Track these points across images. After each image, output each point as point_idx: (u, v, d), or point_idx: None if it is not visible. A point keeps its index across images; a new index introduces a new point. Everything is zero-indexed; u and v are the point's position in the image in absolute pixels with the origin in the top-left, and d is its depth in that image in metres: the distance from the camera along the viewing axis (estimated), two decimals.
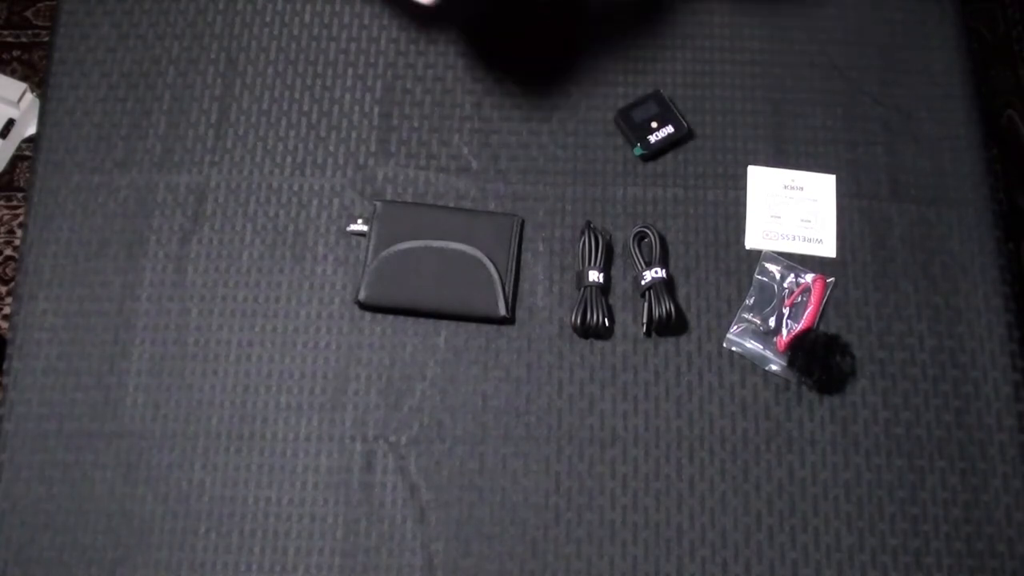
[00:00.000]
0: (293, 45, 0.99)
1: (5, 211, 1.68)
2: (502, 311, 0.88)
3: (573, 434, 0.86)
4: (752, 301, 0.90)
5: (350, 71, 0.98)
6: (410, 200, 0.93)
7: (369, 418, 0.86)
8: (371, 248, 0.90)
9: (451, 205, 0.93)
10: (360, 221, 0.91)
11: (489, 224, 0.91)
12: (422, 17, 0.96)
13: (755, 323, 0.90)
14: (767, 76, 0.99)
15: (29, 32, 1.79)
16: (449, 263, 0.89)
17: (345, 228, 0.92)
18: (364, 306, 0.89)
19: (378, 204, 0.91)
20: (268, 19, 1.00)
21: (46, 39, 1.72)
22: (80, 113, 0.96)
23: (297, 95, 0.97)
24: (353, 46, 0.99)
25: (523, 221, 0.92)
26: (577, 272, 0.90)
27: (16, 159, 1.70)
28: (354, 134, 0.96)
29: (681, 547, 0.83)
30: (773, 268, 0.91)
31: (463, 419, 0.87)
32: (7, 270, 1.65)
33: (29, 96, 1.67)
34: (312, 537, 0.83)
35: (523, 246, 0.92)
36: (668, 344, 0.89)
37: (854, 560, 0.83)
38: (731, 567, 0.83)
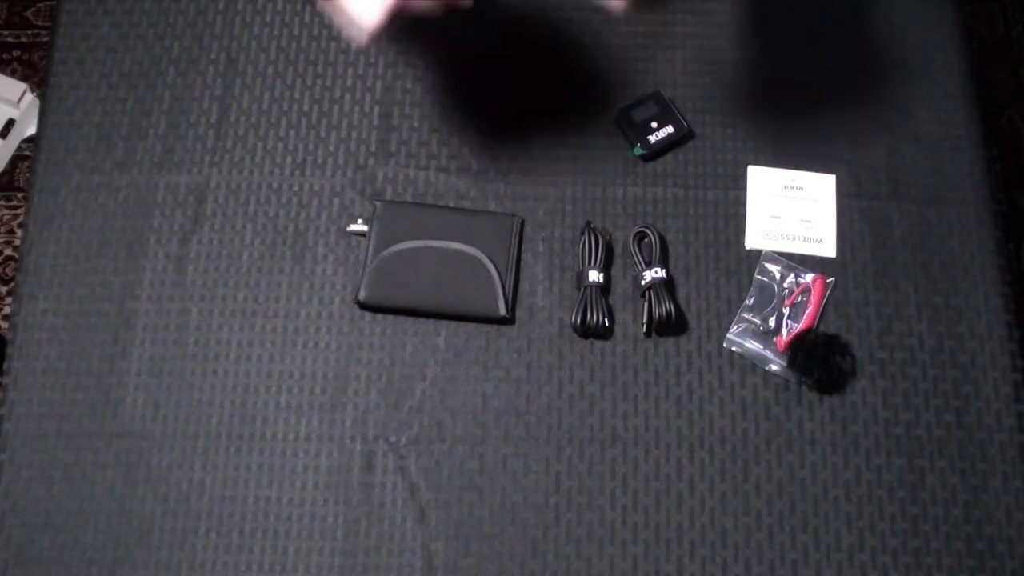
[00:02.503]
0: (293, 45, 0.99)
1: (5, 211, 1.68)
2: (502, 311, 0.88)
3: (573, 434, 0.86)
4: (752, 301, 0.90)
5: (350, 71, 0.98)
6: (410, 200, 0.93)
7: (369, 418, 0.86)
8: (371, 248, 0.90)
9: (451, 205, 0.93)
10: (360, 221, 0.91)
11: (489, 224, 0.91)
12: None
13: (755, 323, 0.90)
14: (767, 76, 0.99)
15: (29, 32, 1.79)
16: (449, 263, 0.89)
17: (345, 228, 0.92)
18: (364, 306, 0.89)
19: (378, 204, 0.91)
20: (268, 19, 1.00)
21: (46, 39, 1.72)
22: (80, 113, 0.96)
23: (297, 95, 0.97)
24: (353, 46, 0.99)
25: (523, 221, 0.92)
26: (577, 272, 0.90)
27: (16, 159, 1.70)
28: (354, 134, 0.96)
29: (681, 547, 0.83)
30: (773, 268, 0.91)
31: (463, 419, 0.87)
32: (7, 270, 1.65)
33: (29, 96, 1.67)
34: (312, 537, 0.83)
35: (523, 246, 0.92)
36: (668, 344, 0.89)
37: (854, 560, 0.83)
38: (731, 567, 0.83)
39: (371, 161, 0.95)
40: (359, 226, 0.91)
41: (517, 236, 0.91)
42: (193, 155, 0.95)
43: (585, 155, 0.96)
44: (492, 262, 0.89)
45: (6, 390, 0.87)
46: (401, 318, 0.89)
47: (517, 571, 0.82)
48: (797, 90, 0.98)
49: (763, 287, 0.91)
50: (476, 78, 0.98)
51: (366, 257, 0.89)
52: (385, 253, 0.89)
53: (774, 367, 0.88)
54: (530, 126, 0.97)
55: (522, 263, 0.91)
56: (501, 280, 0.89)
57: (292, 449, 0.85)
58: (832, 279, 0.91)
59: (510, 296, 0.89)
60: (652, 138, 0.94)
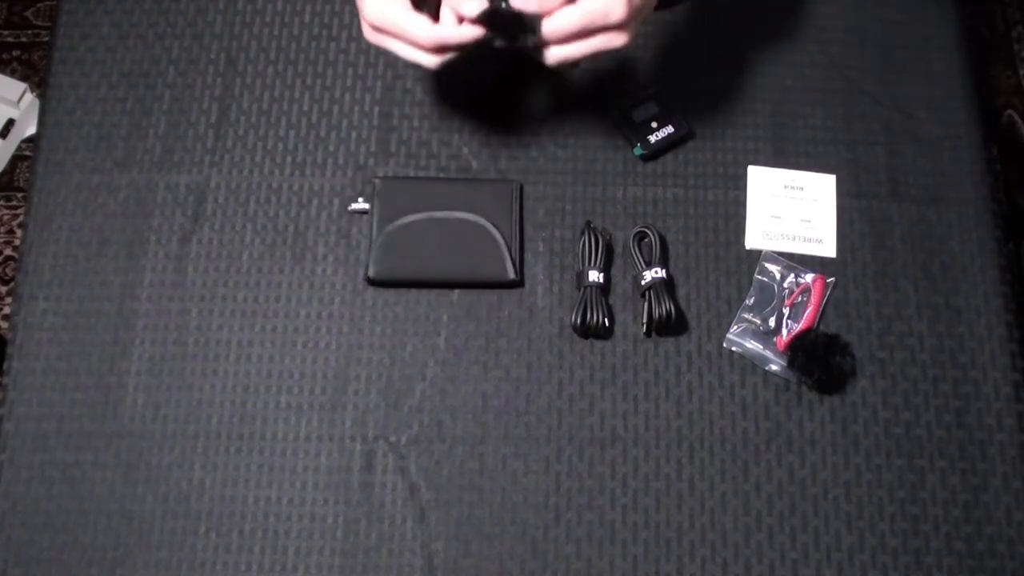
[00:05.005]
0: (293, 45, 0.99)
1: (5, 211, 1.68)
2: (511, 275, 0.89)
3: (573, 434, 0.86)
4: (752, 301, 0.90)
5: (350, 71, 0.98)
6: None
7: (369, 418, 0.86)
8: (375, 225, 0.90)
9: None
10: (361, 200, 0.92)
11: (489, 191, 0.92)
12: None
13: (755, 323, 0.90)
14: (767, 76, 0.99)
15: (29, 32, 1.79)
16: (454, 232, 0.90)
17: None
18: (374, 282, 0.89)
19: (377, 181, 0.92)
20: (268, 19, 1.00)
21: (46, 39, 1.72)
22: (80, 113, 0.96)
23: (297, 95, 0.97)
24: (353, 46, 0.99)
25: (522, 185, 0.93)
26: (577, 272, 0.90)
27: (16, 159, 1.70)
28: (354, 134, 0.96)
29: (681, 547, 0.83)
30: (773, 268, 0.91)
31: (463, 419, 0.87)
32: (7, 270, 1.65)
33: (29, 96, 1.67)
34: (312, 537, 0.83)
35: (524, 245, 0.92)
36: (668, 344, 0.89)
37: (854, 560, 0.83)
38: (731, 567, 0.83)
39: (371, 161, 0.95)
40: (361, 204, 0.91)
41: (517, 200, 0.92)
42: (193, 155, 0.95)
43: (585, 155, 0.96)
44: (496, 227, 0.89)
45: (6, 390, 0.87)
46: (401, 316, 0.89)
47: (517, 571, 0.82)
48: (797, 90, 0.98)
49: (763, 287, 0.91)
50: (476, 78, 0.98)
51: (371, 234, 0.90)
52: (390, 228, 0.90)
53: (774, 367, 0.88)
54: (530, 126, 0.97)
55: (524, 263, 0.91)
56: (507, 244, 0.89)
57: (292, 449, 0.85)
58: (832, 279, 0.91)
59: (517, 260, 0.90)
60: (652, 138, 0.94)
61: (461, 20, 0.75)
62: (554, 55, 0.75)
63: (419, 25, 0.74)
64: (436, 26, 0.74)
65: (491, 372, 0.88)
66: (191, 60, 0.98)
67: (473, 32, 0.74)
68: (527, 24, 0.74)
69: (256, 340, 0.89)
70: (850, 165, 0.96)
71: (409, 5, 0.75)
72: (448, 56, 0.76)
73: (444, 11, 0.76)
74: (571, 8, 0.73)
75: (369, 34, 0.78)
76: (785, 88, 0.99)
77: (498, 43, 0.75)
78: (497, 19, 0.74)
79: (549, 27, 0.73)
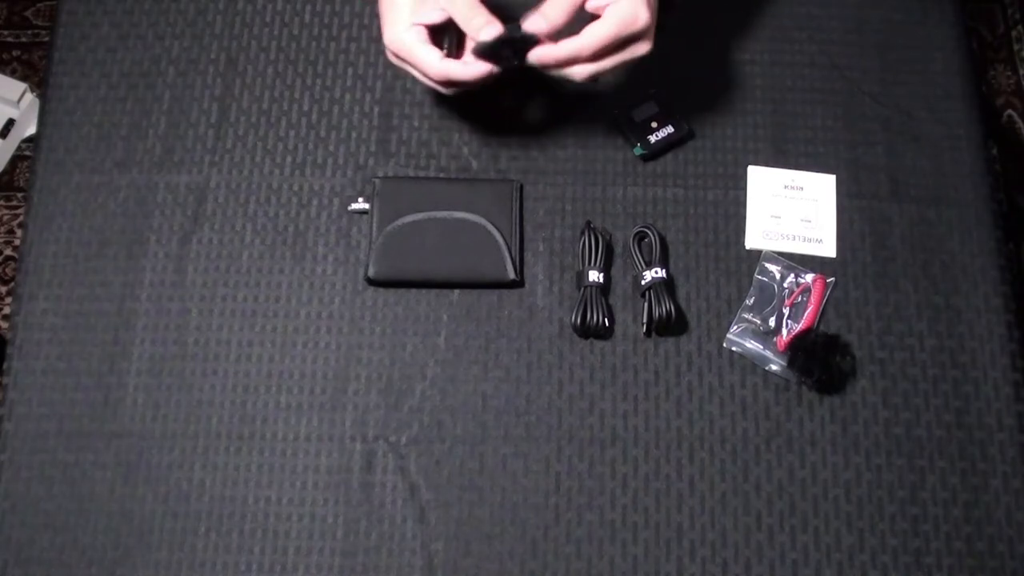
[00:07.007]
0: (293, 45, 0.99)
1: (5, 211, 1.68)
2: (511, 275, 0.89)
3: (573, 434, 0.86)
4: (752, 301, 0.90)
5: (350, 71, 0.98)
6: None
7: (369, 418, 0.87)
8: (375, 225, 0.90)
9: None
10: (361, 200, 0.92)
11: (489, 191, 0.92)
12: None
13: (755, 323, 0.90)
14: (767, 76, 0.99)
15: (29, 32, 1.79)
16: (454, 232, 0.90)
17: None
18: (373, 282, 0.89)
19: (377, 181, 0.92)
20: (268, 19, 1.00)
21: (46, 39, 1.72)
22: (80, 113, 0.96)
23: (297, 95, 0.97)
24: (353, 46, 0.99)
25: (522, 185, 0.93)
26: (577, 272, 0.90)
27: (16, 159, 1.70)
28: (354, 134, 0.96)
29: (681, 547, 0.83)
30: (773, 268, 0.91)
31: (463, 419, 0.87)
32: (7, 270, 1.65)
33: (29, 96, 1.67)
34: (312, 537, 0.83)
35: (524, 245, 0.92)
36: (668, 344, 0.89)
37: (854, 560, 0.83)
38: (731, 567, 0.83)
39: (371, 161, 0.95)
40: (361, 204, 0.92)
41: (517, 200, 0.92)
42: (193, 155, 0.95)
43: (585, 155, 0.96)
44: (496, 227, 0.90)
45: (6, 390, 0.87)
46: (401, 316, 0.89)
47: (517, 571, 0.82)
48: (797, 90, 0.98)
49: (763, 287, 0.91)
50: None
51: (371, 234, 0.90)
52: (390, 228, 0.90)
53: (774, 367, 0.88)
54: (530, 126, 0.97)
55: (524, 263, 0.91)
56: (507, 244, 0.89)
57: (292, 449, 0.86)
58: (832, 279, 0.91)
59: (517, 260, 0.90)
60: (652, 138, 0.94)
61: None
62: (584, 71, 0.78)
63: (429, 60, 0.78)
64: (444, 62, 0.78)
65: (491, 372, 0.88)
66: (191, 60, 0.98)
67: (478, 71, 0.78)
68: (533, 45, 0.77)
69: (256, 340, 0.89)
70: (850, 165, 0.96)
71: (424, 37, 0.79)
72: (460, 88, 0.80)
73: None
74: (601, 22, 0.76)
75: (390, 56, 0.82)
76: (785, 88, 0.99)
77: (509, 65, 0.78)
78: (505, 46, 0.77)
79: (582, 43, 0.76)
